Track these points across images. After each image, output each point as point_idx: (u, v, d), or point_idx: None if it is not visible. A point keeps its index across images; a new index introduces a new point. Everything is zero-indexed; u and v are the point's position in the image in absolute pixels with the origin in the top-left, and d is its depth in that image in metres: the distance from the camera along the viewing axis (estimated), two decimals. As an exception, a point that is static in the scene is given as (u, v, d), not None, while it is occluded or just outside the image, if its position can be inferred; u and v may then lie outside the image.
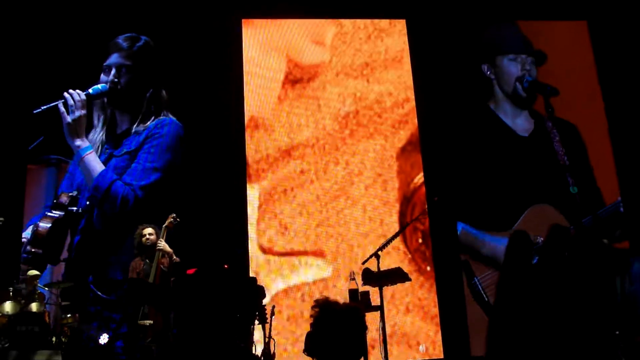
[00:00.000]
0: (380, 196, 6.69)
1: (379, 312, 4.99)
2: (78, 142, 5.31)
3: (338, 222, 6.57)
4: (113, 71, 5.61)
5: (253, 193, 6.47)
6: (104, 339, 4.27)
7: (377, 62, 7.19)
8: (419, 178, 6.82)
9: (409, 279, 5.22)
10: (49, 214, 5.15)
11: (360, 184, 6.71)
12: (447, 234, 6.71)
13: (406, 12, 7.34)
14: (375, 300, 5.11)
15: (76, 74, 5.99)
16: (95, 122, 5.60)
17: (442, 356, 6.35)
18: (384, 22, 7.33)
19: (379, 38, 7.25)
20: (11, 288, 5.02)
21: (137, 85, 5.60)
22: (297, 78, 6.97)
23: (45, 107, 5.52)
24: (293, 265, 6.34)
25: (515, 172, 6.93)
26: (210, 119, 6.42)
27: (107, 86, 5.68)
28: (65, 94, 5.45)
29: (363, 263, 5.24)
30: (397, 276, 5.14)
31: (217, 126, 6.51)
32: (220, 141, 6.48)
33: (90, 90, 5.66)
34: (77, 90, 5.48)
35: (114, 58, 5.65)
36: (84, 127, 5.43)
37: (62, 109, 5.29)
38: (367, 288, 5.10)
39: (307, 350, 2.60)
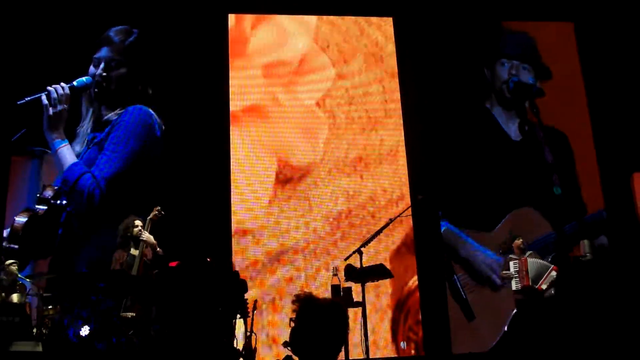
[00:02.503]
0: (373, 303, 6.30)
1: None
2: (54, 135, 5.29)
3: (329, 333, 6.11)
4: (102, 65, 5.59)
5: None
6: (85, 330, 4.25)
7: (371, 156, 6.85)
8: (413, 282, 6.50)
9: (391, 276, 5.24)
10: (30, 207, 5.13)
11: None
12: (431, 231, 6.75)
13: (394, 10, 7.33)
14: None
15: (62, 65, 5.96)
16: (84, 113, 5.58)
17: (423, 354, 6.40)
18: (379, 113, 7.00)
19: (373, 130, 6.93)
20: (-8, 279, 4.99)
21: (125, 80, 5.59)
22: (287, 177, 6.64)
23: (29, 98, 5.50)
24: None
25: (503, 174, 6.99)
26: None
27: (92, 79, 5.66)
28: (49, 87, 5.42)
29: (345, 259, 5.24)
30: (379, 273, 5.15)
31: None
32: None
33: (74, 83, 5.63)
34: (62, 84, 5.45)
35: (104, 51, 5.63)
36: (64, 121, 5.39)
37: (45, 101, 5.27)
38: (349, 284, 5.10)
39: (289, 345, 2.61)
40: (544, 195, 6.87)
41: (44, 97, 5.23)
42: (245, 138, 6.68)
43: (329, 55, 7.09)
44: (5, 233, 5.44)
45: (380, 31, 7.25)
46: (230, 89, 6.73)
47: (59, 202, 5.14)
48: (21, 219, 5.11)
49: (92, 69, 5.79)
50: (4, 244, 5.16)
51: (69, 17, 6.23)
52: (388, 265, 6.27)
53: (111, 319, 4.18)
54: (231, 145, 6.58)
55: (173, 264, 4.24)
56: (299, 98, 6.92)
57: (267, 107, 6.83)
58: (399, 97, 7.06)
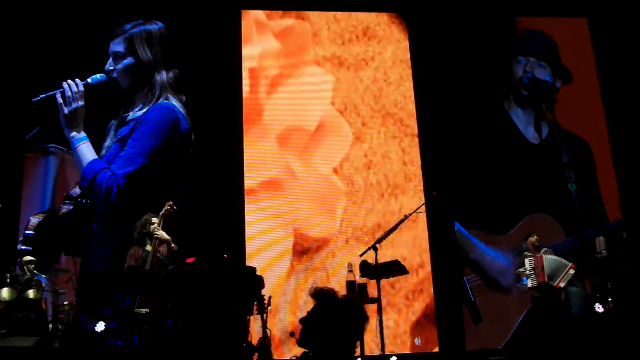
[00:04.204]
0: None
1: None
2: (73, 133, 5.25)
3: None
4: (110, 59, 5.58)
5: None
6: (100, 326, 4.25)
7: (390, 223, 6.37)
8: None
9: (407, 272, 5.24)
10: (52, 209, 5.12)
11: (371, 366, 5.67)
12: (445, 228, 6.72)
13: (400, 7, 7.29)
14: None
15: (78, 61, 5.98)
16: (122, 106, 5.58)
17: (437, 350, 6.37)
18: (399, 177, 6.81)
19: (392, 195, 6.71)
20: (8, 274, 5.01)
21: (131, 70, 5.51)
22: (304, 249, 6.47)
23: (44, 95, 5.49)
24: None
25: (519, 177, 6.95)
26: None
27: (106, 76, 5.65)
28: (64, 83, 5.38)
29: (361, 255, 5.26)
30: (394, 269, 5.16)
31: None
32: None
33: (89, 80, 5.62)
34: (77, 80, 5.41)
35: (111, 45, 5.62)
36: (82, 119, 5.33)
37: (60, 99, 5.22)
38: (364, 280, 5.12)
39: (302, 342, 2.58)
40: (561, 201, 6.79)
41: (58, 96, 5.19)
42: (261, 213, 6.55)
43: (346, 117, 6.95)
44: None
45: (398, 91, 7.12)
46: (245, 164, 6.61)
47: (84, 200, 5.09)
48: (34, 220, 5.08)
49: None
50: (18, 245, 5.14)
51: (84, 14, 6.27)
52: (408, 340, 6.29)
53: (129, 316, 4.18)
54: (246, 221, 6.45)
55: (190, 260, 4.24)
56: (315, 166, 6.77)
57: (282, 178, 6.69)
58: (419, 159, 6.87)
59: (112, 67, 5.44)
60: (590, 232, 6.44)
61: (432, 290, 6.54)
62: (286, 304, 6.29)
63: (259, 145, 6.73)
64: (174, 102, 5.29)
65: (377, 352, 5.34)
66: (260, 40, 7.00)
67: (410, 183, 6.84)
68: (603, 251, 6.13)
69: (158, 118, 5.42)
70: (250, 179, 6.61)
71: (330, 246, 6.54)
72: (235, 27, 6.94)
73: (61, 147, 6.33)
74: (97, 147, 5.73)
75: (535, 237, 6.39)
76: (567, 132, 6.91)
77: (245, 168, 6.60)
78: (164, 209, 5.14)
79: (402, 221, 5.32)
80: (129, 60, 5.36)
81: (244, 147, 6.66)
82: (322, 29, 7.13)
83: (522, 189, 6.90)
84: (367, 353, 5.22)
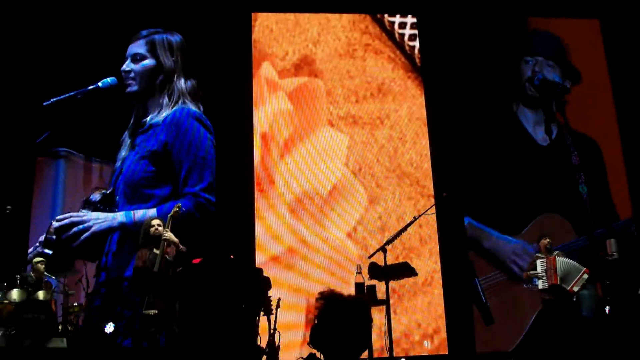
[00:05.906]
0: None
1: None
2: (118, 221, 5.19)
3: None
4: (128, 60, 5.52)
5: None
6: (109, 327, 4.28)
7: (405, 287, 6.36)
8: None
9: (416, 274, 5.21)
10: (73, 214, 5.12)
11: None
12: (455, 230, 6.68)
13: (416, 9, 7.26)
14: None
15: (89, 66, 6.02)
16: (133, 114, 5.49)
17: (447, 352, 6.33)
18: (414, 239, 6.55)
19: (407, 259, 6.29)
20: (18, 276, 5.05)
21: (150, 72, 5.44)
22: None
23: (55, 99, 5.52)
24: None
25: (529, 179, 6.92)
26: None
27: (117, 80, 5.66)
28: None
29: (369, 257, 5.24)
30: (403, 271, 5.13)
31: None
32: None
33: (99, 84, 5.64)
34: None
35: (129, 49, 5.60)
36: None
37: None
38: (373, 282, 5.10)
39: (312, 343, 2.60)
40: (572, 201, 6.75)
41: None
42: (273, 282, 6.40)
43: (360, 179, 6.75)
44: (42, 237, 5.45)
45: (414, 149, 6.90)
46: (257, 237, 6.40)
47: (107, 208, 5.08)
48: (55, 224, 5.10)
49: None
50: (37, 248, 5.18)
51: (93, 19, 6.31)
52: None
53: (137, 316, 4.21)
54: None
55: (196, 261, 4.25)
56: (329, 232, 6.57)
57: (295, 251, 6.49)
58: (435, 221, 6.60)
59: (129, 68, 5.40)
60: (601, 231, 6.39)
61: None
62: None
63: (270, 218, 6.53)
64: (193, 107, 5.24)
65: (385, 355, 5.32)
66: (272, 101, 6.81)
67: (426, 246, 6.59)
68: (614, 253, 6.08)
69: (195, 125, 5.27)
70: (261, 254, 6.39)
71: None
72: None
73: (72, 151, 6.36)
74: (111, 154, 5.62)
75: (548, 239, 6.34)
76: (577, 133, 6.87)
77: (256, 242, 6.39)
78: (172, 211, 5.18)
79: (411, 222, 5.29)
80: (149, 62, 5.31)
81: (255, 219, 6.44)
82: (335, 86, 6.94)
83: (534, 191, 6.86)
84: (375, 356, 5.20)
